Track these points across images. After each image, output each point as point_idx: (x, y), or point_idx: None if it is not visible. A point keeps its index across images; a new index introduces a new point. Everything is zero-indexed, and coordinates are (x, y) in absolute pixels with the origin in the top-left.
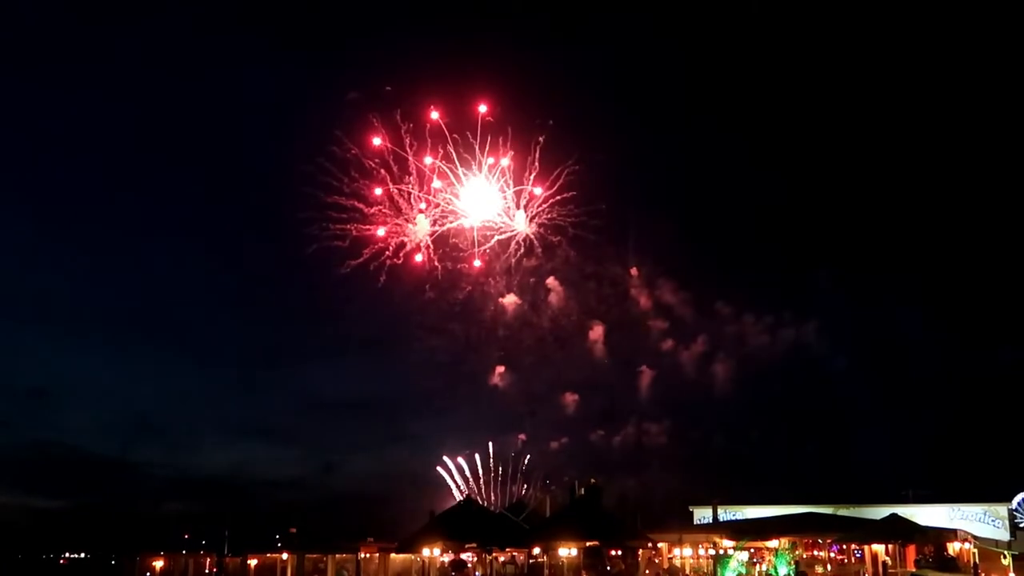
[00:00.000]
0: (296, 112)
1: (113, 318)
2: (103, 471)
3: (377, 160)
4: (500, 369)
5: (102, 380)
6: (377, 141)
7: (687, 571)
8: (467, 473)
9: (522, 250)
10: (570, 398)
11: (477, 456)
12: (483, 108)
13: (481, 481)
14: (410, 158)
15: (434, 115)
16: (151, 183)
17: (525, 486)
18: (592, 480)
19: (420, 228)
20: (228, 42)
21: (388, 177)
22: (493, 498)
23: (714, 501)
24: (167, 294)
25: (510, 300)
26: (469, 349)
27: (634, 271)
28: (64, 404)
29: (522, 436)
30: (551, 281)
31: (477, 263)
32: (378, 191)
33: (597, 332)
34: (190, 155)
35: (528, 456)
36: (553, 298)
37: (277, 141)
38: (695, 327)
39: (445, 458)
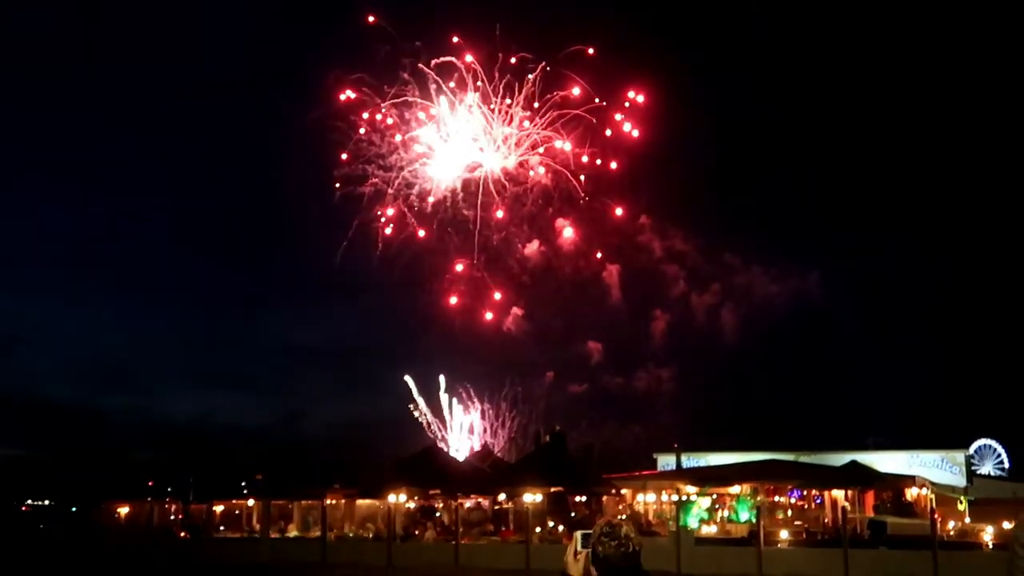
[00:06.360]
0: (302, 58)
1: (80, 264)
2: (68, 418)
3: (396, 109)
4: (516, 311)
5: (68, 327)
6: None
7: (650, 516)
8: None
9: (540, 199)
10: (583, 343)
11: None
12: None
13: (493, 427)
14: (432, 104)
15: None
16: (124, 124)
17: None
18: (556, 427)
19: (440, 175)
20: None
21: (407, 127)
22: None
23: (677, 448)
24: (135, 240)
25: (530, 249)
26: (482, 294)
27: (644, 219)
28: (30, 351)
29: (550, 374)
30: (565, 225)
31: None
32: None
33: (612, 278)
34: (175, 95)
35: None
36: (566, 243)
37: (270, 87)
38: (706, 275)
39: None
